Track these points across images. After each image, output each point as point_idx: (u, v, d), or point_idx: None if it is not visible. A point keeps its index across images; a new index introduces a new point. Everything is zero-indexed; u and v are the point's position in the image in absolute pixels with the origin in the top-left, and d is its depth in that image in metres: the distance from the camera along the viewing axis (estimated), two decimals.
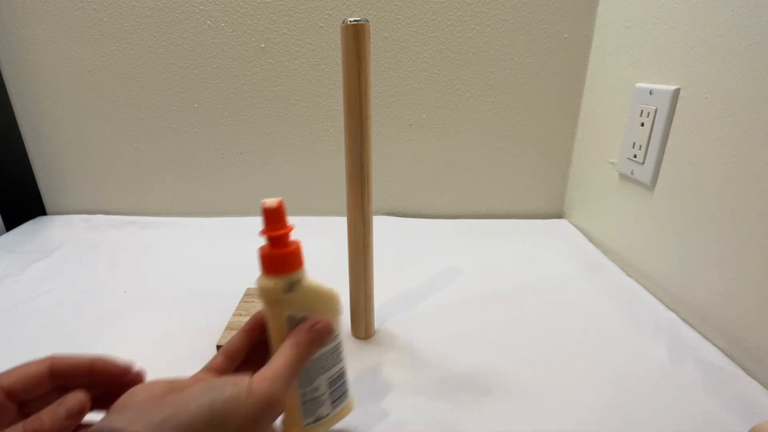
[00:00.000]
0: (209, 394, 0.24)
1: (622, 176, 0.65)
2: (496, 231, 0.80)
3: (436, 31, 0.73)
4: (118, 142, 0.80)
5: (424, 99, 0.77)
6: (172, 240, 0.76)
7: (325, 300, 0.32)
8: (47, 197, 0.85)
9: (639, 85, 0.59)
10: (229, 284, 0.58)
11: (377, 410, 0.40)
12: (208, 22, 0.72)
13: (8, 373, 0.27)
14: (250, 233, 0.79)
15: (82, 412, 0.27)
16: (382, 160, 0.81)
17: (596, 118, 0.73)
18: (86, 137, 0.80)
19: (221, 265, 0.67)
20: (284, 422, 0.31)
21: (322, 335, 0.30)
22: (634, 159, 0.60)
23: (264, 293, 0.30)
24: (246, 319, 0.48)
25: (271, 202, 0.29)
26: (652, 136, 0.57)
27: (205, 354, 0.47)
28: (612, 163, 0.67)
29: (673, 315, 0.52)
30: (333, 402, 0.33)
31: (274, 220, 0.29)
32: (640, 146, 0.59)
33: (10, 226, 0.81)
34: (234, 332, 0.47)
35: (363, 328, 0.50)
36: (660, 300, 0.56)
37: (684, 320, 0.51)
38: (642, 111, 0.58)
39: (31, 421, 0.25)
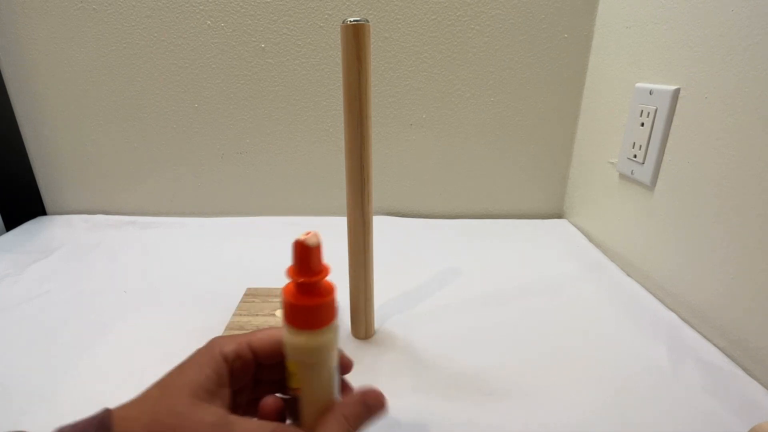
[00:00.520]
0: None
1: (622, 176, 0.65)
2: (496, 231, 0.80)
3: (436, 31, 0.73)
4: (118, 142, 0.80)
5: (424, 99, 0.77)
6: (172, 240, 0.76)
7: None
8: (47, 197, 0.85)
9: (639, 85, 0.59)
10: (229, 284, 0.58)
11: None
12: (208, 22, 0.72)
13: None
14: (250, 233, 0.79)
15: None
16: (382, 160, 0.81)
17: (596, 118, 0.73)
18: (86, 137, 0.80)
19: (221, 265, 0.67)
20: None
21: (372, 411, 0.27)
22: (634, 159, 0.60)
23: (322, 350, 0.25)
24: (246, 319, 0.49)
25: (312, 239, 0.24)
26: (652, 136, 0.57)
27: None
28: (612, 163, 0.67)
29: (673, 315, 0.52)
30: None
31: (316, 260, 0.24)
32: (640, 146, 0.59)
33: (10, 226, 0.81)
34: (234, 332, 0.47)
35: (363, 328, 0.50)
36: (660, 300, 0.56)
37: (684, 320, 0.51)
38: (642, 111, 0.58)
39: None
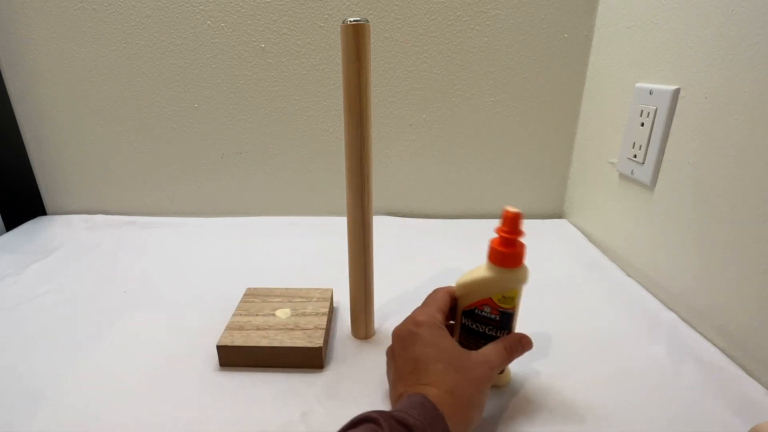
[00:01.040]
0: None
1: (622, 176, 0.65)
2: None
3: (436, 31, 0.73)
4: (118, 142, 0.80)
5: (424, 99, 0.77)
6: (172, 240, 0.76)
7: None
8: (47, 197, 0.85)
9: (639, 85, 0.59)
10: (229, 284, 0.58)
11: None
12: (208, 22, 0.72)
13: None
14: (250, 233, 0.79)
15: None
16: (382, 160, 0.81)
17: (596, 118, 0.73)
18: (86, 137, 0.80)
19: (221, 265, 0.67)
20: None
21: (525, 348, 0.40)
22: (634, 159, 0.60)
23: (519, 282, 0.39)
24: (246, 319, 0.49)
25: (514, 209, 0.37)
26: (652, 136, 0.57)
27: (206, 354, 0.47)
28: (612, 163, 0.67)
29: (673, 315, 0.52)
30: None
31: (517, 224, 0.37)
32: (640, 146, 0.59)
33: (10, 226, 0.81)
34: (234, 332, 0.47)
35: (363, 328, 0.50)
36: (660, 300, 0.56)
37: (684, 320, 0.51)
38: (642, 111, 0.58)
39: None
